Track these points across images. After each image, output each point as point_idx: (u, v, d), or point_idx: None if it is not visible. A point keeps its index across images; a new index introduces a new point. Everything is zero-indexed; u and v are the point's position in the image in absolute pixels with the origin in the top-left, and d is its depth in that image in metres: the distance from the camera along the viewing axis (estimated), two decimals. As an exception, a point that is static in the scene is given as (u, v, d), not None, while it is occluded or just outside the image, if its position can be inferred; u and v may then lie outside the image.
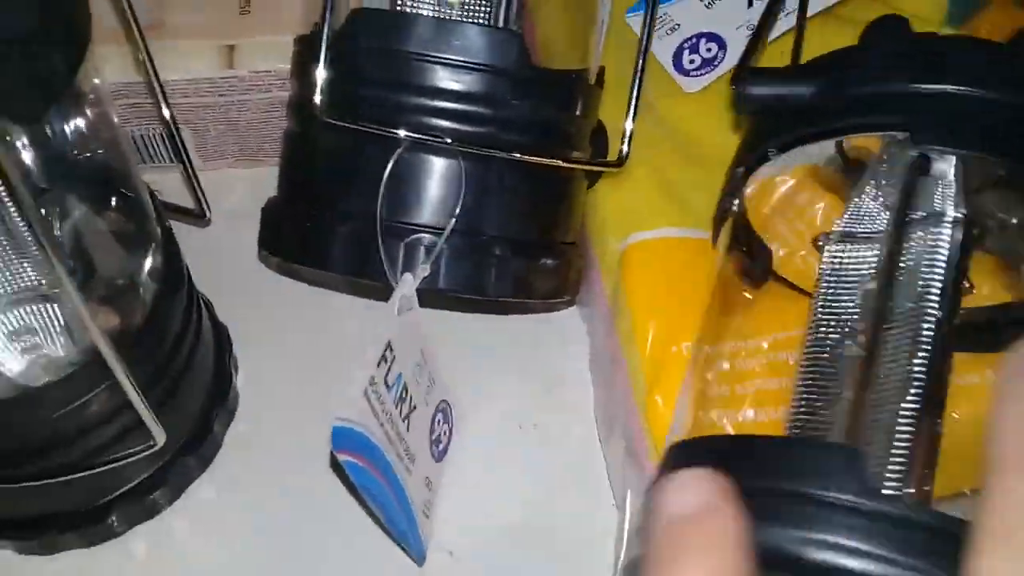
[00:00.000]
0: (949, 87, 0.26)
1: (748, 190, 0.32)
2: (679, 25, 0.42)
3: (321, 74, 0.34)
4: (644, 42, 0.36)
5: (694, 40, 0.41)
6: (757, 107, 0.30)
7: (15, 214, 0.30)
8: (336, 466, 0.37)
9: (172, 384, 0.35)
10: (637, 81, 0.36)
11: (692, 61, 0.41)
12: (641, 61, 0.36)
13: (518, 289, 0.35)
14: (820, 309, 0.29)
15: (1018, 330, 0.31)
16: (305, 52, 0.36)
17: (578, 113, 0.37)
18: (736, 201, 0.32)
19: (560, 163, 0.35)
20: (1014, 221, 0.30)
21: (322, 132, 0.35)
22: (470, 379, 0.40)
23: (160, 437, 0.32)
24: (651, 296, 0.36)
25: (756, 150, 0.29)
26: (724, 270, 0.33)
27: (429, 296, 0.35)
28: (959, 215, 0.27)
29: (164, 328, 0.34)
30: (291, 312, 0.43)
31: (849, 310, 0.28)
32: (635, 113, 0.36)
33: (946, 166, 0.28)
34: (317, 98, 0.34)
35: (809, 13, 0.37)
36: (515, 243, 0.35)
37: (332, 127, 0.34)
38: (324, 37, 0.34)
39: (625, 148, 0.36)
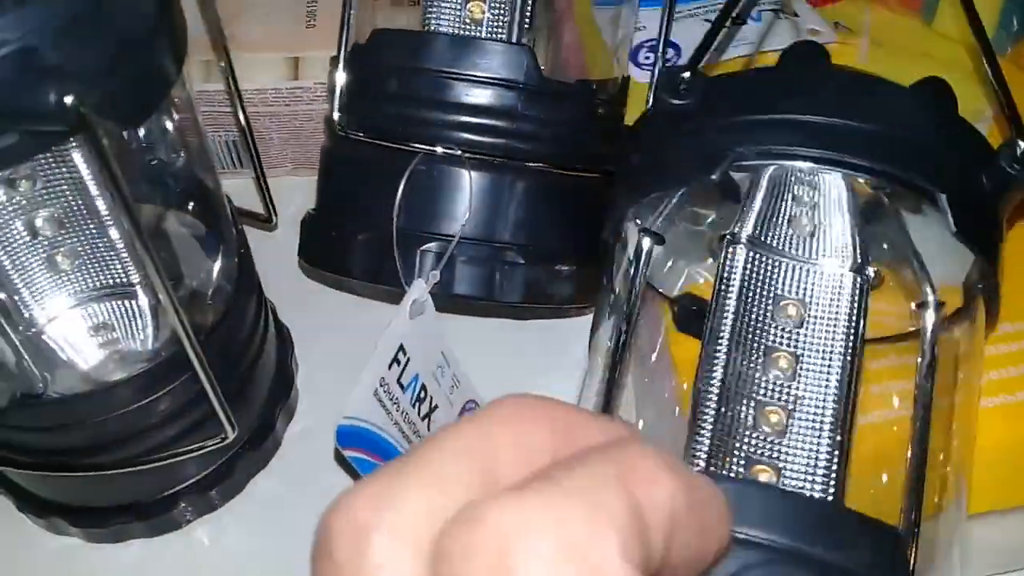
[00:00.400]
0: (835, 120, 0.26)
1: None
2: (645, 27, 0.44)
3: (339, 90, 0.36)
4: (661, 44, 0.37)
5: (653, 43, 0.43)
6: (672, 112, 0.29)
7: (107, 214, 0.32)
8: (342, 461, 0.38)
9: (241, 381, 0.37)
10: (654, 84, 0.37)
11: (647, 58, 0.44)
12: (658, 62, 0.37)
13: (531, 294, 0.36)
14: (726, 323, 0.27)
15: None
16: (334, 70, 0.38)
17: (596, 122, 0.38)
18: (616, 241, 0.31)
19: (564, 172, 0.36)
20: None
21: (343, 146, 0.37)
22: (498, 381, 0.40)
23: (230, 431, 0.34)
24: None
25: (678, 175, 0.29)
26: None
27: (450, 301, 0.36)
28: (861, 256, 0.28)
29: (237, 327, 0.36)
30: (347, 316, 0.44)
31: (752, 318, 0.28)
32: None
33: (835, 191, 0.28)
34: (336, 113, 0.36)
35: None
36: (529, 250, 0.36)
37: (352, 141, 0.36)
38: (341, 57, 0.37)
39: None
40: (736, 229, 0.28)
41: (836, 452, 0.26)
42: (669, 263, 0.33)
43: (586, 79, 0.39)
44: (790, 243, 0.28)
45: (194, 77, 0.43)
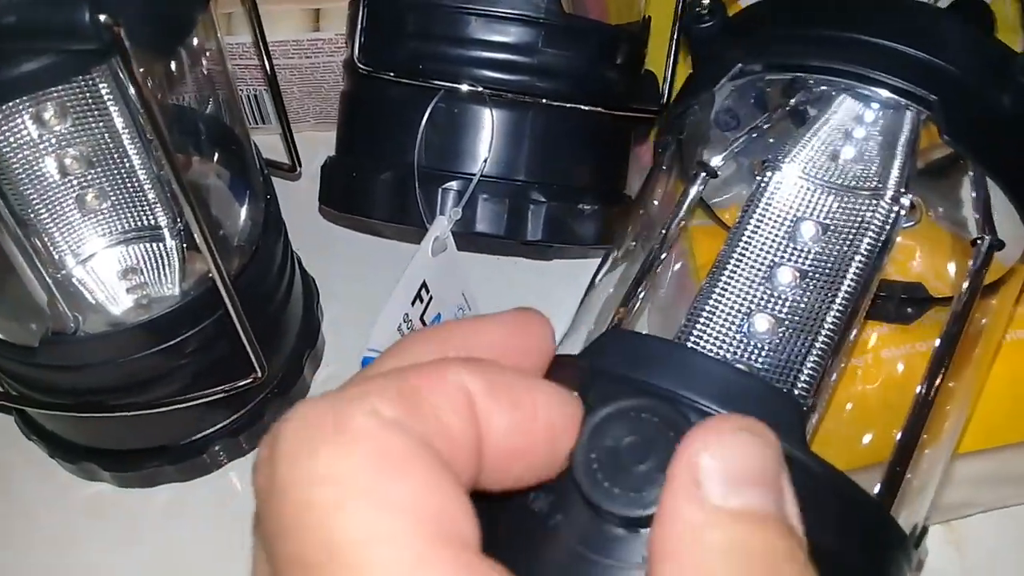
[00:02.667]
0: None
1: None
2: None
3: (359, 29, 0.36)
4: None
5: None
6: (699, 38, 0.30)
7: (137, 154, 0.32)
8: None
9: (269, 325, 0.37)
10: (677, 25, 0.37)
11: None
12: (679, 7, 0.37)
13: (553, 233, 0.36)
14: (749, 232, 0.28)
15: (920, 306, 0.33)
16: (353, 11, 0.38)
17: (618, 61, 0.37)
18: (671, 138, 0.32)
19: (586, 107, 0.36)
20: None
21: (363, 86, 0.37)
22: None
23: (261, 371, 0.34)
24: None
25: (691, 90, 0.30)
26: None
27: (472, 240, 0.36)
28: (900, 191, 0.28)
29: (264, 271, 0.36)
30: (370, 262, 0.44)
31: (774, 238, 0.28)
32: (675, 58, 0.37)
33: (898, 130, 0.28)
34: (356, 52, 0.36)
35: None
36: (551, 188, 0.36)
37: (372, 80, 0.36)
38: None
39: (666, 94, 0.37)
40: (777, 155, 0.29)
41: (817, 372, 0.26)
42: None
43: (607, 16, 0.39)
44: (830, 170, 0.29)
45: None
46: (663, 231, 0.30)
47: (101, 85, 0.30)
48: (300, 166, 0.42)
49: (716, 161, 0.31)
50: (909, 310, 0.34)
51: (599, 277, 0.31)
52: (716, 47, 0.30)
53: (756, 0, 0.30)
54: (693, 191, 0.30)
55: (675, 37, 0.38)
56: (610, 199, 0.38)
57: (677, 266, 0.38)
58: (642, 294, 0.29)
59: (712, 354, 0.26)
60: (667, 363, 0.21)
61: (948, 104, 0.26)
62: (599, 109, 0.36)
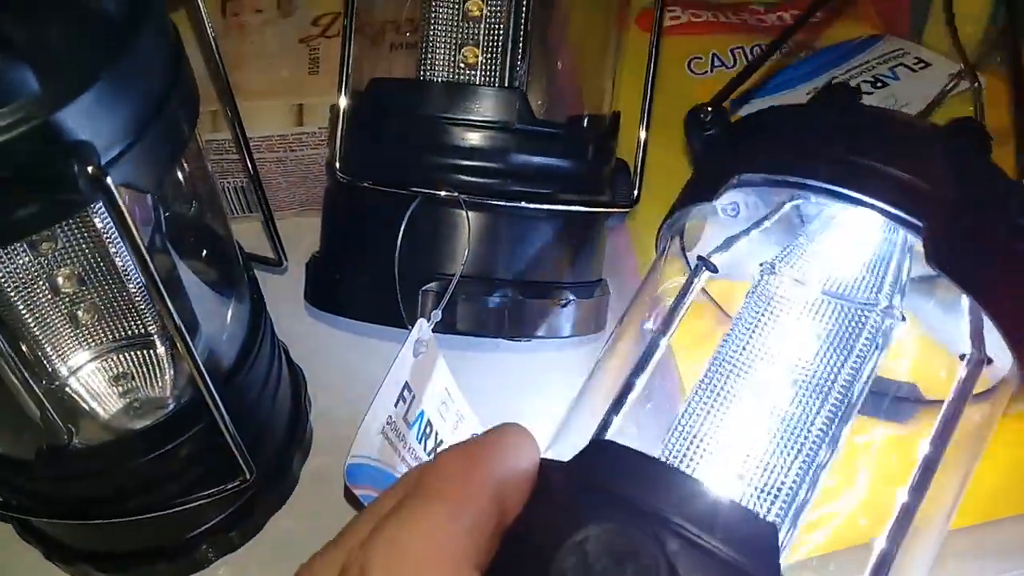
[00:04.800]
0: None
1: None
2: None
3: (339, 138, 0.38)
4: (650, 79, 0.39)
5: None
6: (700, 144, 0.31)
7: (125, 269, 0.33)
8: (352, 499, 0.39)
9: (258, 423, 0.38)
10: (645, 117, 0.39)
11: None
12: (647, 101, 0.39)
13: (532, 328, 0.38)
14: (743, 330, 0.29)
15: (913, 406, 0.33)
16: (334, 117, 0.39)
17: (589, 158, 0.39)
18: (672, 237, 0.33)
19: (558, 208, 0.38)
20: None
21: (345, 191, 0.38)
22: (501, 411, 0.41)
23: (249, 473, 0.35)
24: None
25: (691, 195, 0.31)
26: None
27: (453, 335, 0.37)
28: (892, 303, 0.28)
29: (253, 371, 0.37)
30: (358, 353, 0.45)
31: (768, 337, 0.29)
32: (645, 149, 0.39)
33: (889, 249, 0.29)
34: (337, 161, 0.37)
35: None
36: (528, 285, 0.37)
37: (353, 186, 0.37)
38: (341, 104, 0.39)
39: (636, 188, 0.39)
40: (774, 259, 0.30)
41: (803, 479, 0.26)
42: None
43: (578, 116, 0.41)
44: (824, 278, 0.29)
45: (202, 127, 0.44)
46: (664, 323, 0.30)
47: (90, 212, 0.31)
48: (286, 259, 0.43)
49: (718, 258, 0.31)
50: (902, 408, 0.34)
51: (595, 369, 0.32)
52: (717, 153, 0.31)
53: (759, 110, 0.31)
54: (695, 284, 0.31)
55: (643, 131, 0.40)
56: (585, 291, 0.39)
57: (665, 364, 0.39)
58: (639, 386, 0.29)
59: (697, 461, 0.27)
60: (650, 480, 0.22)
61: (935, 231, 0.26)
62: (572, 208, 0.38)
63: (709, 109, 0.31)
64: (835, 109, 0.30)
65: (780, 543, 0.25)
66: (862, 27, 0.51)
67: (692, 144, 0.31)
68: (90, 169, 0.25)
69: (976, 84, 0.40)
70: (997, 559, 0.36)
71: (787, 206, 0.31)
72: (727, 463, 0.27)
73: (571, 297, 0.38)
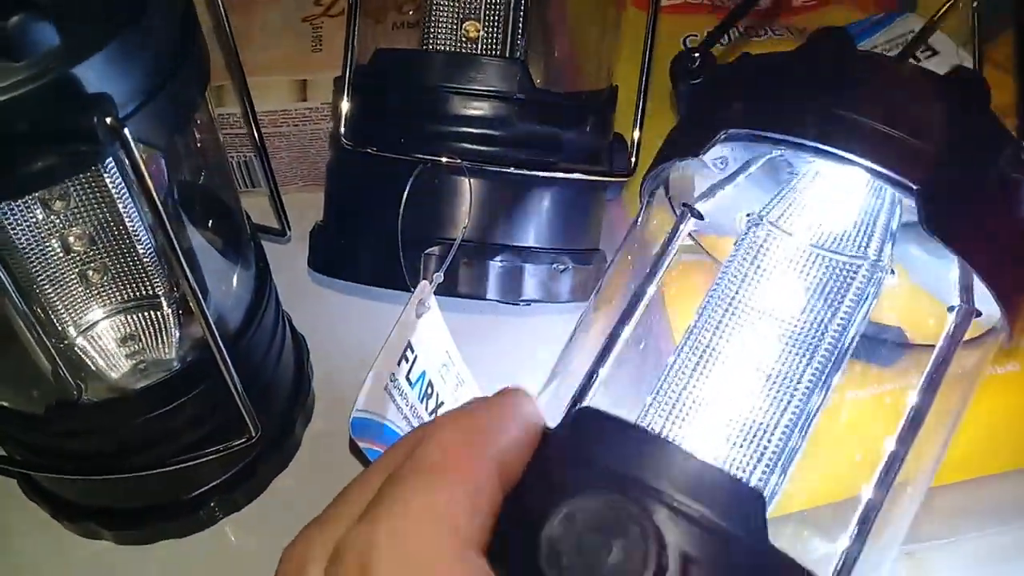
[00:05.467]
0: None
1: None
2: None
3: (344, 106, 0.39)
4: (646, 57, 0.40)
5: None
6: (688, 97, 0.30)
7: (135, 230, 0.34)
8: (356, 451, 0.40)
9: (262, 386, 0.39)
10: (642, 92, 0.40)
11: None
12: (645, 74, 0.40)
13: (531, 293, 0.39)
14: (729, 283, 0.29)
15: (898, 349, 0.33)
16: (338, 89, 0.40)
17: (588, 129, 0.40)
18: (656, 190, 0.32)
19: (560, 175, 0.39)
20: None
21: (349, 159, 0.39)
22: (500, 375, 0.42)
23: (255, 431, 0.36)
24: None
25: (678, 148, 0.30)
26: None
27: (454, 299, 0.38)
28: (880, 256, 0.28)
29: (258, 335, 0.38)
30: (357, 320, 0.46)
31: (755, 291, 0.29)
32: (642, 122, 0.40)
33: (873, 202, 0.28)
34: (342, 128, 0.38)
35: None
36: (528, 250, 0.38)
37: (357, 154, 0.38)
38: (347, 74, 0.39)
39: (633, 159, 0.40)
40: (760, 210, 0.29)
41: (786, 438, 0.27)
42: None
43: (577, 88, 0.42)
44: (811, 231, 0.29)
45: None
46: (649, 271, 0.30)
47: (103, 171, 0.32)
48: (290, 229, 0.44)
49: (703, 205, 0.31)
50: (885, 352, 0.34)
51: (580, 323, 0.32)
52: (704, 105, 0.30)
53: (746, 58, 0.30)
54: (681, 230, 0.30)
55: (641, 104, 0.41)
56: (583, 258, 0.40)
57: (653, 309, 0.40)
58: (624, 335, 0.29)
59: (683, 420, 0.27)
60: (637, 450, 0.22)
61: (928, 194, 0.25)
62: (571, 176, 0.39)
63: (696, 55, 0.29)
64: (828, 56, 0.28)
65: (767, 503, 0.26)
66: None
67: (679, 92, 0.30)
68: (108, 121, 0.26)
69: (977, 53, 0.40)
70: (979, 516, 0.37)
71: (774, 154, 0.30)
72: (713, 422, 0.27)
73: (569, 263, 0.39)
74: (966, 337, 0.28)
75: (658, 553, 0.18)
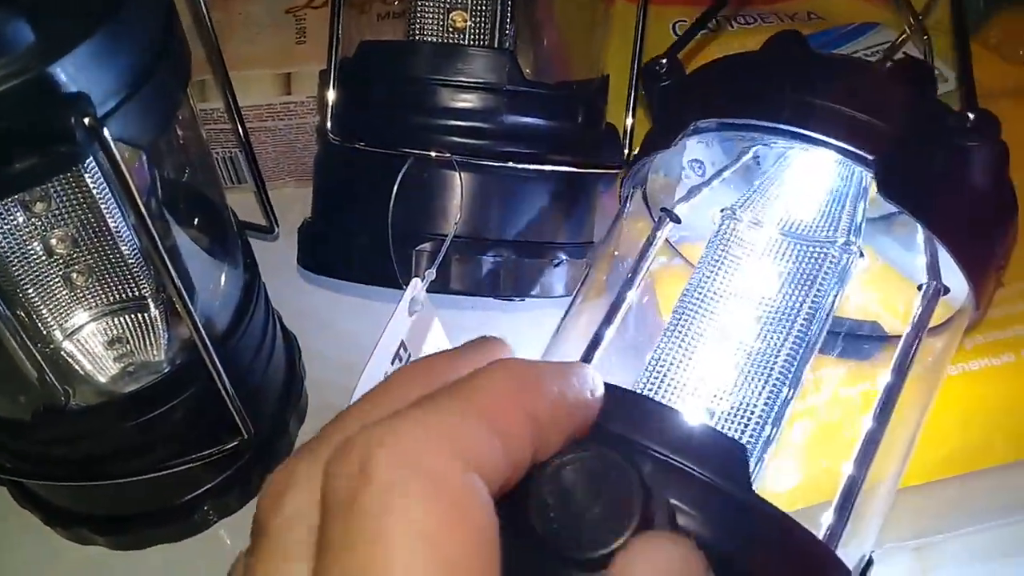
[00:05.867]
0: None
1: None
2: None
3: (330, 100, 0.38)
4: (638, 46, 0.39)
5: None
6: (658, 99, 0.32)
7: (119, 230, 0.33)
8: None
9: (255, 386, 0.38)
10: (634, 81, 0.39)
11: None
12: (635, 64, 0.39)
13: (524, 288, 0.38)
14: (705, 278, 0.30)
15: (875, 343, 0.34)
16: (324, 83, 0.39)
17: (580, 119, 0.39)
18: (635, 189, 0.34)
19: (548, 168, 0.38)
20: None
21: (336, 154, 0.38)
22: None
23: (247, 433, 0.35)
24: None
25: (650, 146, 0.31)
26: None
27: (447, 295, 0.38)
28: (850, 239, 0.29)
29: (247, 335, 0.37)
30: (349, 318, 0.46)
31: (729, 285, 0.30)
32: (634, 111, 0.39)
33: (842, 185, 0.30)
34: (328, 123, 0.37)
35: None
36: (520, 245, 0.38)
37: (344, 149, 0.37)
38: (332, 67, 0.39)
39: (626, 149, 0.39)
40: (734, 205, 0.30)
41: (770, 410, 0.27)
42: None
43: (567, 79, 0.41)
44: (784, 220, 0.30)
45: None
46: (630, 274, 0.32)
47: (83, 172, 0.31)
48: (277, 226, 0.43)
49: (680, 208, 0.33)
50: (865, 346, 0.36)
51: (566, 318, 0.33)
52: (673, 103, 0.32)
53: (712, 60, 0.32)
54: (659, 235, 0.32)
55: (633, 93, 0.40)
56: (577, 252, 0.40)
57: (644, 306, 0.40)
58: (608, 335, 0.31)
59: (668, 398, 0.27)
60: (623, 410, 0.23)
61: (885, 163, 0.27)
62: (563, 168, 0.38)
63: (664, 61, 0.31)
64: (786, 55, 0.31)
65: (749, 455, 0.26)
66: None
67: (649, 96, 0.32)
68: (86, 120, 0.25)
69: (926, 36, 0.41)
70: (981, 509, 0.37)
71: (747, 156, 0.32)
72: (697, 399, 0.28)
73: (563, 257, 0.39)
74: (936, 322, 0.30)
75: (644, 503, 0.19)
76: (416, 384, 0.20)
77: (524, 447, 0.19)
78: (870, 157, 0.27)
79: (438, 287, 0.37)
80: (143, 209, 0.27)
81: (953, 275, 0.29)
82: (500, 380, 0.19)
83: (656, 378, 0.28)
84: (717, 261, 0.30)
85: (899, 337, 0.34)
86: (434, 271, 0.36)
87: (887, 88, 0.30)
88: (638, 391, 0.28)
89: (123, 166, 0.26)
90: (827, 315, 0.29)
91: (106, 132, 0.25)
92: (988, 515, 0.37)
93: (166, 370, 0.36)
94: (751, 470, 0.25)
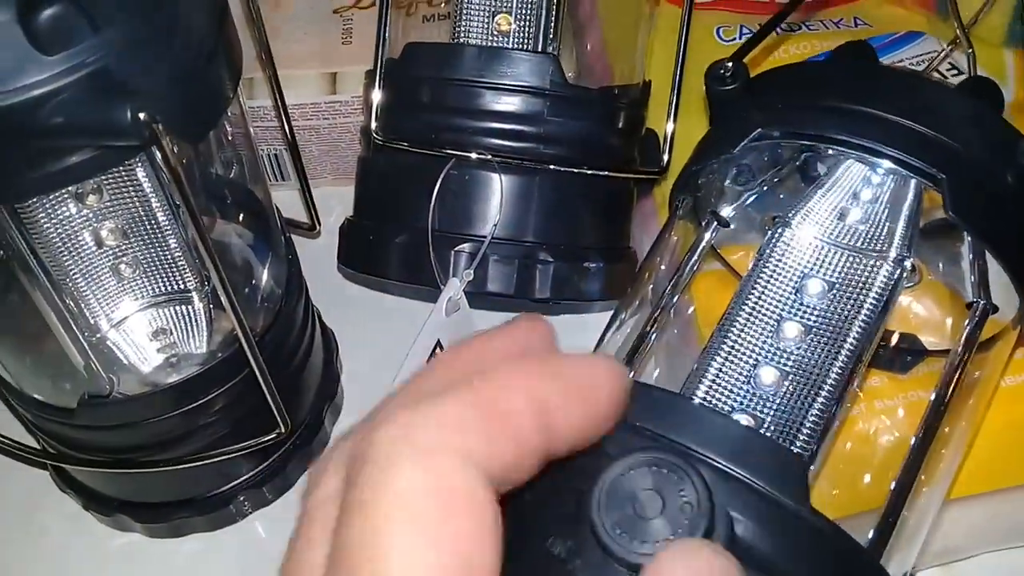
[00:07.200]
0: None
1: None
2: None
3: (375, 101, 0.38)
4: (681, 51, 0.39)
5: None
6: (720, 99, 0.31)
7: (167, 224, 0.34)
8: None
9: (291, 381, 0.38)
10: (676, 87, 0.39)
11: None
12: (678, 70, 0.39)
13: (560, 291, 0.38)
14: (759, 287, 0.29)
15: (915, 357, 0.34)
16: (369, 83, 0.40)
17: (620, 125, 0.39)
18: (688, 196, 0.33)
19: (589, 171, 0.38)
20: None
21: (379, 154, 0.39)
22: None
23: (285, 426, 0.36)
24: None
25: (711, 150, 0.31)
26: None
27: (484, 298, 0.38)
28: (903, 253, 0.29)
29: (287, 330, 0.38)
30: (387, 317, 0.46)
31: (782, 294, 0.29)
32: (675, 117, 0.39)
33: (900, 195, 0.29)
34: (373, 123, 0.38)
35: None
36: (558, 248, 0.38)
37: (387, 149, 0.38)
38: (378, 69, 0.39)
39: (666, 157, 0.39)
40: (787, 212, 0.30)
41: (820, 422, 0.27)
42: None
43: (609, 84, 0.41)
44: (837, 230, 0.30)
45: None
46: (675, 278, 0.31)
47: (136, 166, 0.32)
48: (319, 224, 0.44)
49: (728, 212, 0.32)
50: (908, 359, 0.35)
51: (613, 328, 0.32)
52: (736, 109, 0.31)
53: (778, 67, 0.32)
54: (705, 239, 0.32)
55: (675, 99, 0.40)
56: (614, 256, 0.40)
57: (684, 314, 0.40)
58: (652, 339, 0.31)
59: (719, 406, 0.27)
60: (679, 417, 0.23)
61: (955, 182, 0.27)
62: (602, 172, 0.38)
63: (729, 64, 0.31)
64: (855, 66, 0.30)
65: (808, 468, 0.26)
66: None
67: (712, 99, 0.31)
68: (142, 116, 0.25)
69: (970, 50, 0.40)
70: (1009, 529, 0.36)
71: (797, 163, 0.32)
72: (747, 408, 0.27)
73: (600, 261, 0.39)
74: (982, 337, 0.29)
75: (708, 512, 0.19)
76: (450, 372, 0.20)
77: (529, 434, 0.18)
78: (940, 176, 0.27)
79: (475, 288, 0.37)
80: (193, 203, 0.28)
81: (1002, 294, 0.29)
82: (507, 367, 0.19)
83: (704, 385, 0.28)
84: (769, 270, 0.29)
85: (938, 352, 0.34)
86: (472, 271, 0.37)
87: (956, 105, 0.29)
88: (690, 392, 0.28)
89: (175, 160, 0.27)
90: (878, 329, 0.29)
91: (160, 127, 0.26)
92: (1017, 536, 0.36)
93: (207, 362, 0.37)
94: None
